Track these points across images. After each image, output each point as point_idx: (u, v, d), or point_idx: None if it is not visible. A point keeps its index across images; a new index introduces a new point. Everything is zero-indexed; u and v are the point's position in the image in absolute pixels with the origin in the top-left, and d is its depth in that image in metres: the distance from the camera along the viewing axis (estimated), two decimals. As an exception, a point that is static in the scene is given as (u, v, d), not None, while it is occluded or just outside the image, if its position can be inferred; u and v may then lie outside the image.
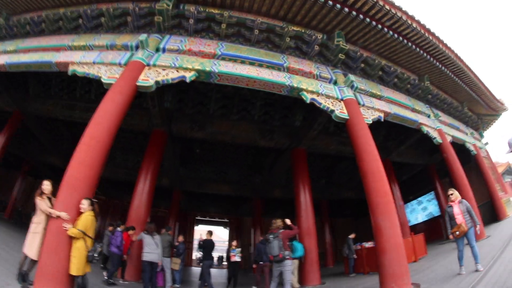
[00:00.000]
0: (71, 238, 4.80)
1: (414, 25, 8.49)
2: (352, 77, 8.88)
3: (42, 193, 5.26)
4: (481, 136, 16.21)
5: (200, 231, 26.78)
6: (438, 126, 11.24)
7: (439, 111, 12.25)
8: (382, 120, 8.91)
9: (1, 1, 9.22)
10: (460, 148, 12.81)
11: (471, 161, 13.82)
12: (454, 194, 6.49)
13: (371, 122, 8.36)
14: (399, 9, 8.09)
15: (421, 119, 10.42)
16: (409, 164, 15.90)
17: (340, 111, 8.00)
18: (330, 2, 7.45)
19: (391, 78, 10.11)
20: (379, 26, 8.28)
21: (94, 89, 11.80)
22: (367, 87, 9.29)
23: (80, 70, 7.70)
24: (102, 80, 7.32)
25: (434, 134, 10.75)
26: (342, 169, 17.11)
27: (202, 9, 8.05)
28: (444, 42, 9.66)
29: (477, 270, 5.75)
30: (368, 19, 8.04)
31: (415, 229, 14.09)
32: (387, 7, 7.80)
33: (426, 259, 9.75)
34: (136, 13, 8.25)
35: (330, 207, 19.70)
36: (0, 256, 6.24)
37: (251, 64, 7.96)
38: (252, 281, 9.85)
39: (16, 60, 8.87)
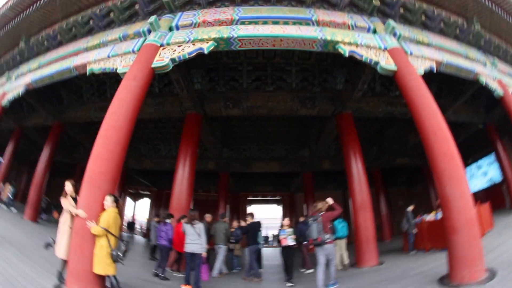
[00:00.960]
0: (95, 236, 4.53)
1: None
2: (392, 22, 7.41)
3: (65, 193, 5.11)
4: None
5: (253, 211, 27.20)
6: (496, 77, 9.29)
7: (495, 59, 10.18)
8: (435, 70, 7.43)
9: (18, 28, 9.70)
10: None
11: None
12: None
13: (422, 73, 6.96)
14: None
15: (477, 68, 8.62)
16: (464, 124, 13.73)
17: (385, 62, 6.70)
18: None
19: (436, 23, 8.46)
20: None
21: None
22: (411, 34, 7.81)
23: (97, 67, 7.52)
24: (118, 71, 6.97)
25: (493, 85, 8.89)
26: (393, 134, 15.37)
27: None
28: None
29: None
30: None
31: (475, 197, 12.27)
32: None
33: (494, 234, 8.23)
34: (144, -1, 7.70)
35: (383, 176, 18.16)
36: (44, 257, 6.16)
37: (275, 23, 6.92)
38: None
39: (40, 75, 9.18)
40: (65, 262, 4.71)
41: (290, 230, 7.39)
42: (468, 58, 8.71)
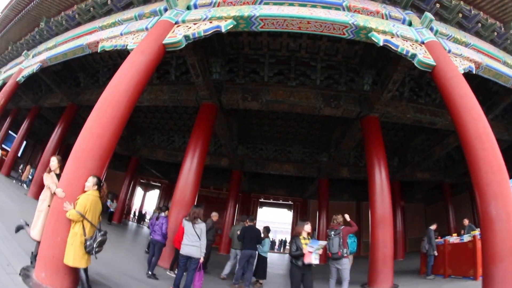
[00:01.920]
0: (71, 221, 3.92)
1: None
2: (429, 15, 6.51)
3: (49, 170, 4.64)
4: None
5: (264, 214, 26.47)
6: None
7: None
8: (474, 71, 6.48)
9: (39, 8, 9.84)
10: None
11: None
12: None
13: (462, 72, 6.06)
14: None
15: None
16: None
17: (423, 55, 5.82)
18: None
19: (473, 24, 7.46)
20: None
21: None
22: (449, 31, 6.89)
23: (108, 44, 7.19)
24: (128, 48, 6.53)
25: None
26: (417, 145, 14.36)
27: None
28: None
29: None
30: None
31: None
32: None
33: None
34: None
35: (401, 190, 17.01)
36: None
37: (302, 5, 6.17)
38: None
39: (54, 52, 9.17)
40: (39, 244, 4.21)
41: (323, 243, 5.03)
42: (507, 64, 7.63)
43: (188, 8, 6.85)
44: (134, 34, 6.89)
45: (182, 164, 8.62)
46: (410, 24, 6.59)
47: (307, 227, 5.06)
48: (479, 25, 7.57)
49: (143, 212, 25.42)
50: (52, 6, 9.67)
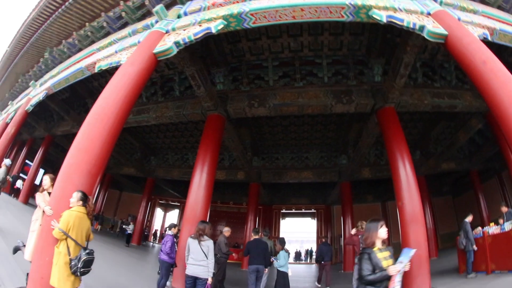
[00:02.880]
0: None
1: None
2: None
3: (42, 189, 4.55)
4: None
5: (288, 224, 25.61)
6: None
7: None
8: (489, 38, 5.79)
9: (41, 41, 10.14)
10: None
11: None
12: None
13: None
14: None
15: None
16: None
17: (432, 26, 5.27)
18: None
19: None
20: None
21: (144, 91, 11.21)
22: (454, 0, 6.31)
23: (104, 63, 7.18)
24: (121, 63, 6.36)
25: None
26: (438, 134, 13.47)
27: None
28: None
29: None
30: None
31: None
32: None
33: None
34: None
35: (427, 185, 15.80)
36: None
37: (294, -7, 5.76)
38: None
39: (57, 79, 9.34)
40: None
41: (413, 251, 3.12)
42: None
43: (179, 16, 6.68)
44: (127, 50, 6.82)
45: (191, 179, 8.24)
46: (410, -3, 6.04)
47: (383, 232, 3.11)
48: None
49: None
50: (53, 36, 9.82)
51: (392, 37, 8.15)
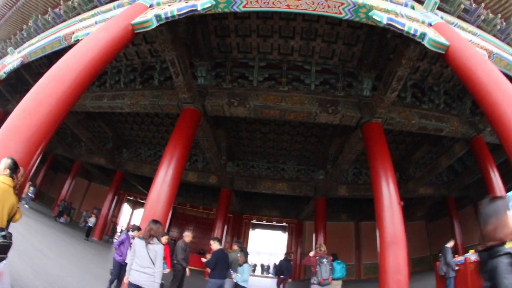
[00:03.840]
0: None
1: None
2: None
3: None
4: None
5: (257, 237, 24.91)
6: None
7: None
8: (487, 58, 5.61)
9: (27, 7, 9.35)
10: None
11: None
12: None
13: None
14: None
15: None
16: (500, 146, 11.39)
17: (433, 35, 4.97)
18: None
19: (474, 18, 6.82)
20: None
21: (123, 76, 10.57)
22: (454, 20, 6.20)
23: (81, 33, 6.63)
24: None
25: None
26: (420, 158, 13.55)
27: None
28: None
29: None
30: None
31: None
32: None
33: None
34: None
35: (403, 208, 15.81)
36: None
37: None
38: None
39: (34, 47, 8.78)
40: None
41: None
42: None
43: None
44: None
45: (156, 174, 7.49)
46: (413, 8, 5.77)
47: None
48: (481, 18, 6.88)
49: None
50: (39, 3, 9.04)
51: (388, 48, 7.86)
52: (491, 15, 7.04)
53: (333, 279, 7.40)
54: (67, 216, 17.26)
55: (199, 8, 4.99)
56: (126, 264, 5.60)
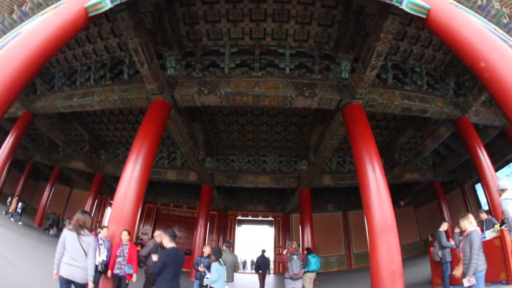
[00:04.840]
0: None
1: None
2: None
3: None
4: None
5: (244, 233, 24.46)
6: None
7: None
8: None
9: None
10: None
11: None
12: None
13: None
14: None
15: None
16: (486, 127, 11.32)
17: None
18: None
19: None
20: None
21: (93, 73, 9.98)
22: None
23: None
24: None
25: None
26: (405, 144, 13.41)
27: None
28: None
29: None
30: None
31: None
32: None
33: None
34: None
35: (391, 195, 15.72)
36: None
37: None
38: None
39: None
40: None
41: None
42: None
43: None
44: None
45: (123, 171, 6.91)
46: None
47: None
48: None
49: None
50: (4, 3, 8.39)
51: (364, 31, 7.48)
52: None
53: (309, 271, 8.38)
54: (56, 228, 16.61)
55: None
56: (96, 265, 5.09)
